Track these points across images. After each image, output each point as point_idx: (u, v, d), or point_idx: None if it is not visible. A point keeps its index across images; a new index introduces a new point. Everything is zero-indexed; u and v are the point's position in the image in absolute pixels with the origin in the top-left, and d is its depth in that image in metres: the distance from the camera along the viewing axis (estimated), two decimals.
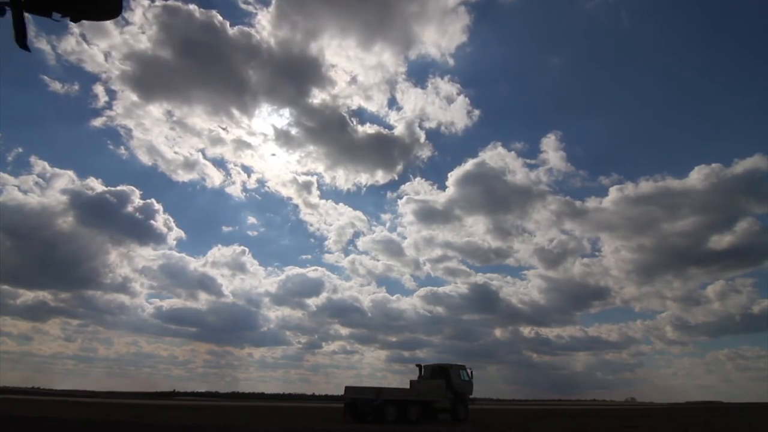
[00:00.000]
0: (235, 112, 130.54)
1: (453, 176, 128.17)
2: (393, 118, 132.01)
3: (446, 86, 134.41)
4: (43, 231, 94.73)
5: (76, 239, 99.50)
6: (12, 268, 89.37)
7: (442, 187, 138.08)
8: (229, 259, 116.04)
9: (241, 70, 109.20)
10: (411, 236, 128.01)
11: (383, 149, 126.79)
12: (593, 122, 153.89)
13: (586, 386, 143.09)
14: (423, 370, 25.64)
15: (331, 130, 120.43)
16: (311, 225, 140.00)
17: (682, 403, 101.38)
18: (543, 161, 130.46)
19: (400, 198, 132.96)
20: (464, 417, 23.86)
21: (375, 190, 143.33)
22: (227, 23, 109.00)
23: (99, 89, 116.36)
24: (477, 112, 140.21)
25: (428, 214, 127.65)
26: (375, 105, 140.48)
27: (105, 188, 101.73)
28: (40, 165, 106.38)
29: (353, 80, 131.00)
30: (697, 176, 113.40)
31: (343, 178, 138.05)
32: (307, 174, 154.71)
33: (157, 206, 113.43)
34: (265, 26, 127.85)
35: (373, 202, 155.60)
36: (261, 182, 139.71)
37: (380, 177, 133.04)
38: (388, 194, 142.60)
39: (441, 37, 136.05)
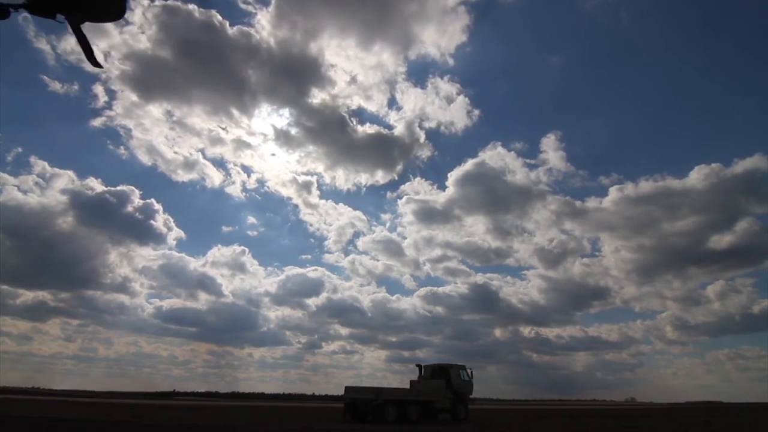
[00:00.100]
0: (235, 112, 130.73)
1: (453, 176, 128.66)
2: (393, 118, 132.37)
3: (446, 86, 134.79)
4: (43, 231, 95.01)
5: (76, 239, 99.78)
6: (12, 268, 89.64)
7: (442, 187, 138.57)
8: (229, 259, 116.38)
9: (240, 70, 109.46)
10: (411, 236, 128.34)
11: (383, 149, 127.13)
12: (593, 122, 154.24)
13: (586, 386, 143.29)
14: (423, 370, 25.64)
15: (330, 130, 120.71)
16: (311, 225, 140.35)
17: (682, 403, 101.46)
18: (543, 161, 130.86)
19: (400, 198, 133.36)
20: (464, 417, 23.86)
21: (375, 190, 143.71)
22: (227, 23, 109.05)
23: (99, 89, 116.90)
24: (477, 112, 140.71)
25: (428, 214, 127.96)
26: (375, 105, 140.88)
27: (105, 188, 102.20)
28: (39, 165, 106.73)
29: (353, 80, 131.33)
30: (697, 176, 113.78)
31: (343, 178, 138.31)
32: (306, 174, 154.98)
33: (157, 206, 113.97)
34: (264, 26, 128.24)
35: (373, 202, 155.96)
36: (261, 182, 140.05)
37: (380, 177, 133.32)
38: (388, 194, 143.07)
39: (441, 36, 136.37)
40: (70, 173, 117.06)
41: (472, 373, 25.64)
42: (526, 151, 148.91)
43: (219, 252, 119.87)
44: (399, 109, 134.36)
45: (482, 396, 35.97)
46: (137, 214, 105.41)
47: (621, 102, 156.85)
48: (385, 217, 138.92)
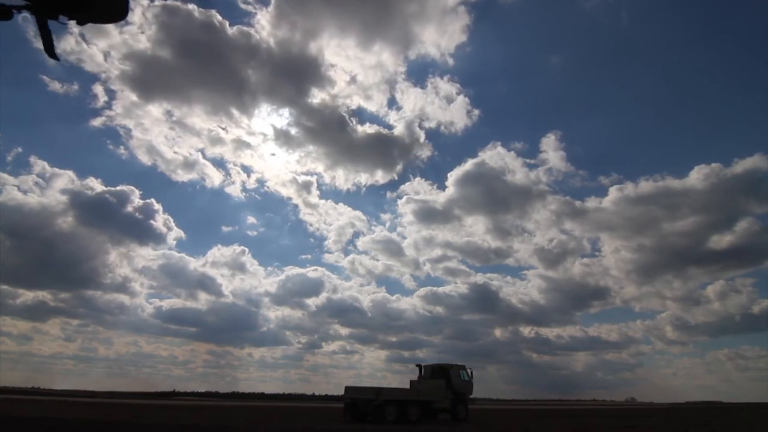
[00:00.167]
0: (235, 112, 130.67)
1: (453, 176, 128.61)
2: (393, 117, 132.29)
3: (446, 86, 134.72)
4: (43, 231, 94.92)
5: (76, 239, 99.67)
6: (12, 268, 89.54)
7: (442, 187, 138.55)
8: (229, 259, 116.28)
9: (240, 70, 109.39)
10: (411, 236, 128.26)
11: (383, 149, 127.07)
12: (593, 122, 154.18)
13: (586, 386, 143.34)
14: (423, 370, 25.64)
15: (330, 130, 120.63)
16: (311, 225, 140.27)
17: (682, 403, 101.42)
18: (543, 161, 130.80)
19: (400, 198, 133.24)
20: (464, 417, 23.86)
21: (375, 190, 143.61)
22: (226, 23, 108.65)
23: (98, 89, 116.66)
24: (477, 111, 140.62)
25: (428, 214, 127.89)
26: (375, 105, 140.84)
27: (105, 188, 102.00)
28: (39, 165, 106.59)
29: (353, 80, 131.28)
30: (697, 176, 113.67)
31: (343, 178, 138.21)
32: (306, 174, 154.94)
33: (157, 206, 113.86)
34: (264, 26, 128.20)
35: (372, 202, 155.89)
36: (261, 182, 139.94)
37: (380, 177, 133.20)
38: (388, 194, 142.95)
39: (441, 36, 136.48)
40: (70, 173, 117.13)
41: (472, 373, 25.66)
42: (526, 151, 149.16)
43: (219, 252, 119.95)
44: (399, 109, 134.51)
45: (482, 396, 35.96)
46: (137, 214, 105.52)
47: (621, 102, 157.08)
48: (385, 217, 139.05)
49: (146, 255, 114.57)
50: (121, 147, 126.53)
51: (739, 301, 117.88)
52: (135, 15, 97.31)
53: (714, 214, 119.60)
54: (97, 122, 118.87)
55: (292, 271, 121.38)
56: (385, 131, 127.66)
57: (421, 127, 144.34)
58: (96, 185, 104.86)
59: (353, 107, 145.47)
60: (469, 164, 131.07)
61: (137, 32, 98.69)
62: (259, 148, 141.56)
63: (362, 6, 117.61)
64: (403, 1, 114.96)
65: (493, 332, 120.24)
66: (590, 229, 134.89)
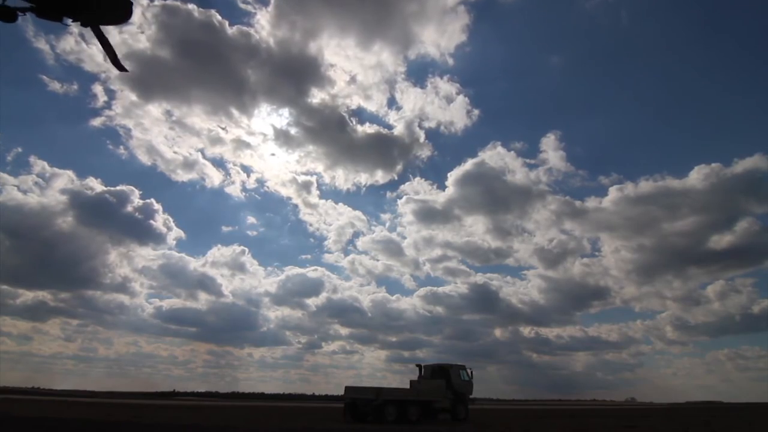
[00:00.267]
0: (235, 112, 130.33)
1: (452, 176, 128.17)
2: (392, 117, 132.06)
3: (446, 86, 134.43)
4: (43, 231, 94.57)
5: (76, 239, 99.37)
6: (12, 268, 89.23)
7: (442, 187, 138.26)
8: (229, 259, 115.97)
9: (240, 70, 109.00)
10: (411, 236, 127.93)
11: (383, 149, 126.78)
12: (593, 122, 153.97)
13: (586, 386, 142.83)
14: (423, 370, 25.65)
15: (330, 130, 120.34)
16: (311, 225, 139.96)
17: (682, 403, 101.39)
18: (543, 161, 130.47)
19: (400, 198, 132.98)
20: (464, 417, 23.87)
21: (374, 189, 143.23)
22: (226, 23, 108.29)
23: (98, 89, 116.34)
24: (476, 111, 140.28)
25: (428, 214, 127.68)
26: (374, 105, 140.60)
27: (104, 188, 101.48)
28: (39, 165, 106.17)
29: (352, 80, 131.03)
30: (697, 176, 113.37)
31: (343, 177, 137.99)
32: (306, 174, 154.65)
33: (157, 206, 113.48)
34: (264, 26, 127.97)
35: (372, 201, 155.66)
36: (260, 182, 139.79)
37: (380, 177, 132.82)
38: (388, 194, 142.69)
39: (440, 36, 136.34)
40: (70, 173, 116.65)
41: (472, 373, 25.67)
42: (525, 151, 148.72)
43: (219, 252, 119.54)
44: (399, 108, 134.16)
45: (482, 396, 35.97)
46: (137, 214, 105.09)
47: (621, 102, 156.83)
48: (385, 217, 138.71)
49: (146, 255, 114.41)
50: (121, 147, 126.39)
51: (739, 301, 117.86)
52: (134, 15, 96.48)
53: (714, 214, 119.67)
54: (96, 122, 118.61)
55: (292, 271, 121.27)
56: (384, 131, 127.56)
57: (420, 127, 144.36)
58: (96, 185, 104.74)
59: (353, 107, 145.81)
60: (468, 164, 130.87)
61: (137, 32, 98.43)
62: (259, 148, 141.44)
63: (362, 6, 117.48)
64: (403, 1, 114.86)
65: (493, 332, 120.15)
66: (590, 229, 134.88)
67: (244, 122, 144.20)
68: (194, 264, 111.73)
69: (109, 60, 7.17)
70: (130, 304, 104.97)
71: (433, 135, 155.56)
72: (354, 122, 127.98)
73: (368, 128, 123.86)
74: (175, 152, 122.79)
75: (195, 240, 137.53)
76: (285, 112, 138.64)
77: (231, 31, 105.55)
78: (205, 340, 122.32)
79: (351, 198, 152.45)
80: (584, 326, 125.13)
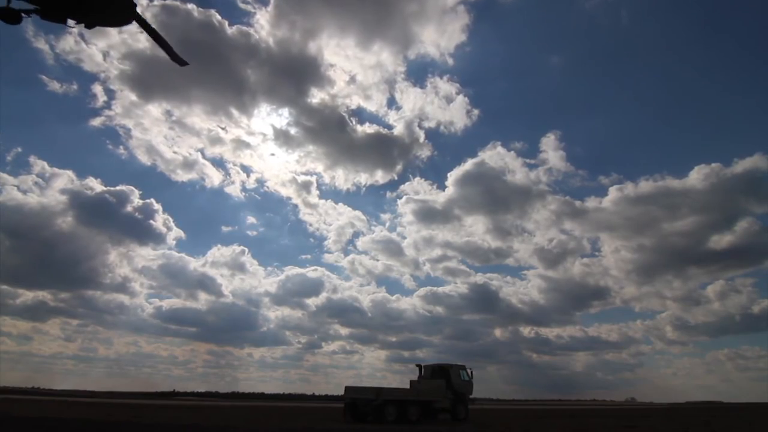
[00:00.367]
0: (234, 112, 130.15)
1: (452, 176, 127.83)
2: (392, 117, 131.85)
3: (445, 86, 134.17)
4: (43, 231, 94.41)
5: (76, 239, 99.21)
6: (11, 268, 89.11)
7: (442, 187, 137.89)
8: (229, 259, 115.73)
9: (239, 70, 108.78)
10: (410, 236, 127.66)
11: (382, 149, 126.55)
12: (593, 122, 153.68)
13: (586, 386, 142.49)
14: (423, 370, 25.65)
15: (330, 130, 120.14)
16: (311, 225, 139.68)
17: (682, 403, 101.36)
18: (542, 161, 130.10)
19: (400, 198, 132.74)
20: (464, 417, 23.87)
21: (374, 189, 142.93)
22: (226, 22, 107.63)
23: (98, 89, 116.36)
24: (476, 111, 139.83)
25: (428, 214, 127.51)
26: (374, 104, 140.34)
27: (104, 188, 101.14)
28: (39, 165, 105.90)
29: (352, 80, 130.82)
30: (697, 176, 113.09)
31: (343, 177, 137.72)
32: (306, 174, 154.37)
33: (157, 206, 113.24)
34: (263, 26, 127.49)
35: (372, 201, 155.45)
36: (260, 182, 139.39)
37: (380, 177, 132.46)
38: (388, 194, 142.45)
39: (440, 36, 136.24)
40: (70, 173, 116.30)
41: (472, 373, 25.68)
42: (525, 151, 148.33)
43: (219, 252, 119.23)
44: (398, 108, 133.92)
45: (482, 396, 35.97)
46: (137, 214, 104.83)
47: (621, 102, 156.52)
48: (385, 217, 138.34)
49: (146, 255, 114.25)
50: (121, 147, 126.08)
51: (739, 301, 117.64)
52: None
53: (714, 214, 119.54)
54: (96, 122, 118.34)
55: (292, 271, 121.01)
56: (384, 131, 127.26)
57: (420, 126, 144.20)
58: (96, 185, 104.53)
59: (353, 107, 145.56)
60: (468, 164, 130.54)
61: (136, 32, 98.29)
62: (259, 148, 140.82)
63: (362, 6, 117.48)
64: (403, 1, 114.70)
65: (493, 332, 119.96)
66: (590, 229, 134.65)
67: (244, 122, 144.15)
68: (194, 264, 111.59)
69: (168, 55, 7.22)
70: (130, 304, 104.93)
71: (432, 135, 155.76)
72: (354, 122, 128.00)
73: (368, 128, 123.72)
74: (174, 152, 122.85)
75: (195, 240, 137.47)
76: (285, 112, 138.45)
77: (231, 30, 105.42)
78: (205, 340, 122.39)
79: (351, 198, 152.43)
80: (584, 326, 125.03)
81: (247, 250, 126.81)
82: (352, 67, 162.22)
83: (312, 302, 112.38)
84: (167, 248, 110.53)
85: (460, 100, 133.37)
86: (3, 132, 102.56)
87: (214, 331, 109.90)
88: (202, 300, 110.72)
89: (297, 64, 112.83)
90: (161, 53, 8.85)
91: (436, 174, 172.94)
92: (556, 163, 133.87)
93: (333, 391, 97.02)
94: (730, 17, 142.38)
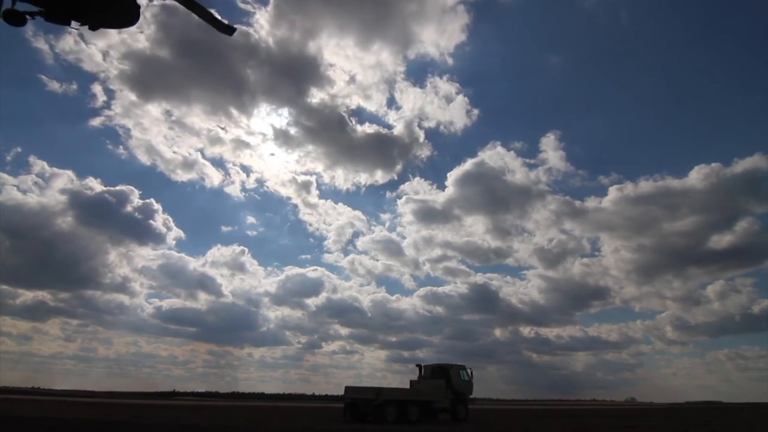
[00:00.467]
0: (234, 112, 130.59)
1: (452, 176, 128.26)
2: (392, 117, 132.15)
3: (445, 86, 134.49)
4: (43, 231, 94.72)
5: (76, 239, 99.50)
6: (11, 268, 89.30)
7: (442, 187, 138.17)
8: (229, 259, 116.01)
9: (239, 70, 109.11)
10: (410, 236, 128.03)
11: (382, 149, 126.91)
12: (593, 122, 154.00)
13: (586, 386, 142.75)
14: (423, 370, 25.64)
15: (330, 130, 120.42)
16: (310, 225, 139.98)
17: (682, 403, 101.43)
18: (542, 161, 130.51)
19: (400, 198, 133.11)
20: (464, 417, 23.86)
21: (374, 189, 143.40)
22: (225, 22, 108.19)
23: (97, 89, 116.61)
24: (476, 111, 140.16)
25: (428, 214, 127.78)
26: (374, 104, 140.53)
27: (104, 188, 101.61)
28: (39, 165, 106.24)
29: (352, 80, 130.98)
30: (697, 176, 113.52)
31: (343, 177, 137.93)
32: (306, 174, 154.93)
33: (156, 206, 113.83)
34: (263, 25, 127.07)
35: (372, 201, 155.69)
36: (260, 182, 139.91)
37: (379, 177, 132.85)
38: (388, 194, 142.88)
39: (440, 36, 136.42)
40: (70, 173, 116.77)
41: (472, 373, 25.66)
42: (525, 151, 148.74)
43: (218, 252, 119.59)
44: (398, 108, 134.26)
45: (482, 396, 35.97)
46: (136, 213, 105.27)
47: (621, 102, 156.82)
48: (385, 216, 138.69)
49: (146, 255, 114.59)
50: (121, 147, 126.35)
51: (739, 301, 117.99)
52: None
53: (714, 214, 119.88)
54: (96, 122, 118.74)
55: (292, 271, 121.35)
56: (384, 131, 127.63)
57: (420, 126, 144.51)
58: (95, 185, 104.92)
59: (352, 107, 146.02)
60: (468, 164, 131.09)
61: (136, 32, 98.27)
62: (259, 147, 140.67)
63: (361, 5, 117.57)
64: (403, 1, 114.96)
65: (493, 332, 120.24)
66: (590, 229, 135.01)
67: (244, 122, 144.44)
68: (194, 264, 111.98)
69: (212, 26, 7.14)
70: (129, 304, 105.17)
71: (432, 135, 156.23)
72: (353, 122, 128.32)
73: (368, 128, 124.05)
74: (174, 152, 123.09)
75: (195, 240, 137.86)
76: (284, 111, 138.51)
77: None
78: (205, 340, 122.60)
79: (351, 198, 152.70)
80: (584, 326, 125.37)
81: (247, 250, 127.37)
82: (351, 67, 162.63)
83: (312, 302, 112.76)
84: (167, 248, 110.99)
85: (460, 100, 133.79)
86: (3, 132, 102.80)
87: (214, 331, 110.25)
88: (202, 300, 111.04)
89: (297, 64, 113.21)
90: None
91: (435, 174, 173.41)
92: (555, 163, 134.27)
93: (333, 391, 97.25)
94: (730, 17, 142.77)
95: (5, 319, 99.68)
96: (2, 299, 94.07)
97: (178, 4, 6.77)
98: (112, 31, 7.26)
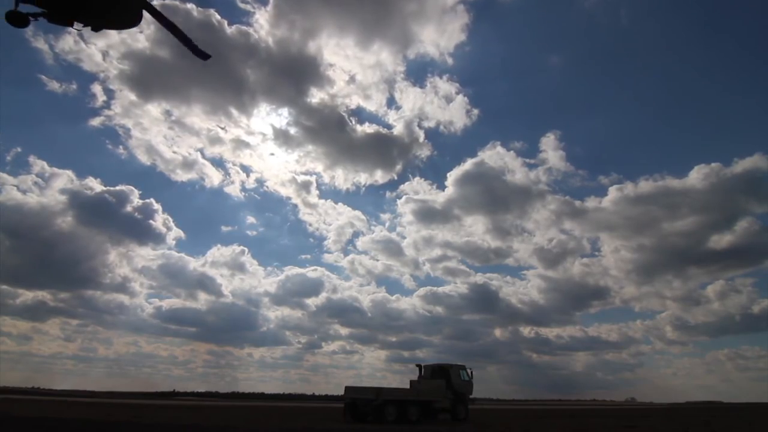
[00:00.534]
0: (234, 112, 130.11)
1: (452, 176, 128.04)
2: (392, 117, 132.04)
3: (445, 85, 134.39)
4: (43, 231, 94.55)
5: (76, 239, 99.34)
6: (11, 268, 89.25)
7: (442, 187, 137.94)
8: (229, 258, 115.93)
9: (239, 70, 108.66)
10: (410, 236, 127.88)
11: (382, 149, 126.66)
12: (593, 121, 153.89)
13: (586, 386, 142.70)
14: (423, 370, 25.65)
15: (329, 130, 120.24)
16: (310, 225, 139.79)
17: (682, 403, 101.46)
18: (542, 161, 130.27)
19: (400, 198, 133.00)
20: (464, 417, 23.87)
21: (374, 189, 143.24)
22: (225, 22, 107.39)
23: (97, 88, 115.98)
24: (476, 111, 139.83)
25: (427, 214, 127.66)
26: (374, 104, 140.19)
27: (104, 188, 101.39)
28: (38, 165, 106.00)
29: (352, 79, 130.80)
30: (697, 176, 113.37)
31: (342, 177, 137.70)
32: (306, 174, 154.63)
33: (156, 206, 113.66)
34: (263, 25, 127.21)
35: (372, 201, 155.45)
36: (260, 182, 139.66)
37: (379, 177, 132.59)
38: (387, 194, 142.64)
39: (440, 36, 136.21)
40: (69, 173, 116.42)
41: (472, 373, 25.67)
42: (525, 151, 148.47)
43: (218, 252, 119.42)
44: (398, 108, 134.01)
45: (482, 396, 35.98)
46: (136, 213, 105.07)
47: (621, 102, 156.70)
48: (385, 216, 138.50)
49: (146, 255, 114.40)
50: (120, 147, 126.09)
51: (739, 301, 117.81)
52: None
53: (714, 214, 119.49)
54: (95, 122, 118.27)
55: (292, 271, 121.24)
56: (384, 131, 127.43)
57: (420, 126, 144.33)
58: (95, 185, 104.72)
59: (352, 107, 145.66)
60: (468, 164, 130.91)
61: (136, 31, 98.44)
62: (259, 147, 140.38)
63: (361, 5, 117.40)
64: (402, 1, 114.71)
65: (493, 332, 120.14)
66: (590, 229, 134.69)
67: (244, 122, 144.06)
68: (194, 264, 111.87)
69: (189, 49, 7.13)
70: (129, 304, 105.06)
71: (432, 135, 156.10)
72: (353, 122, 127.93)
73: (368, 128, 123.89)
74: (174, 152, 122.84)
75: (194, 240, 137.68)
76: (284, 111, 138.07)
77: (230, 30, 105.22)
78: (205, 340, 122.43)
79: (350, 198, 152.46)
80: (584, 326, 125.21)
81: (246, 250, 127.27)
82: (351, 67, 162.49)
83: (312, 302, 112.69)
84: (167, 248, 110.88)
85: (460, 100, 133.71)
86: (3, 132, 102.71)
87: (214, 331, 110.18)
88: (202, 300, 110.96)
89: (296, 64, 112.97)
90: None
91: (435, 174, 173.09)
92: (555, 162, 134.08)
93: (333, 391, 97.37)
94: (730, 17, 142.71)
95: (5, 319, 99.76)
96: (2, 299, 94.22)
97: (162, 25, 6.75)
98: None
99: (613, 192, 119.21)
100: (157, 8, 6.91)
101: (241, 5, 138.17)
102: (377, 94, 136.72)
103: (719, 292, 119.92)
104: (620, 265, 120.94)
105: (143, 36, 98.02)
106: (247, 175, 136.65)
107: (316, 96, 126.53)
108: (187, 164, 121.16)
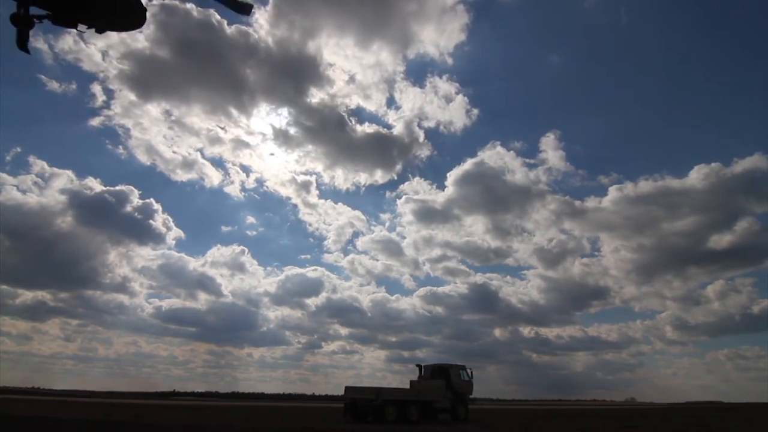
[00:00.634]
0: (234, 112, 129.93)
1: (452, 176, 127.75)
2: (392, 117, 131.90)
3: (445, 85, 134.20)
4: (42, 231, 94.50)
5: (75, 239, 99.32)
6: (11, 268, 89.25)
7: (441, 187, 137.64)
8: (229, 258, 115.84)
9: (239, 70, 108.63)
10: (410, 236, 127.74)
11: (382, 149, 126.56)
12: (592, 121, 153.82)
13: (586, 386, 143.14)
14: (423, 370, 25.66)
15: (329, 130, 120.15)
16: (310, 225, 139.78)
17: (682, 403, 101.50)
18: (542, 161, 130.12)
19: (399, 198, 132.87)
20: (464, 417, 23.88)
21: (374, 189, 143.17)
22: (225, 22, 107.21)
23: (97, 88, 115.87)
24: (476, 111, 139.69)
25: (427, 214, 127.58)
26: (373, 104, 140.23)
27: (104, 188, 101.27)
28: (38, 165, 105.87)
29: (351, 79, 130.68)
30: (697, 176, 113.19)
31: (342, 177, 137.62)
32: (305, 173, 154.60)
33: (156, 206, 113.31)
34: (262, 25, 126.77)
35: (372, 201, 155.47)
36: (260, 182, 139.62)
37: (379, 176, 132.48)
38: (387, 194, 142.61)
39: (439, 35, 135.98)
40: (69, 173, 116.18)
41: (472, 373, 25.66)
42: (525, 151, 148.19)
43: (218, 252, 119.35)
44: (398, 108, 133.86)
45: (482, 396, 36.02)
46: (136, 213, 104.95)
47: (621, 101, 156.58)
48: (385, 216, 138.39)
49: (145, 255, 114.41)
50: (120, 147, 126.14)
51: (739, 301, 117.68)
52: None
53: (714, 214, 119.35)
54: (95, 122, 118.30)
55: (292, 271, 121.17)
56: (384, 131, 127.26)
57: (420, 126, 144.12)
58: (95, 185, 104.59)
59: (352, 107, 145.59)
60: (468, 164, 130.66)
61: (135, 31, 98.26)
62: (258, 147, 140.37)
63: (361, 5, 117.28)
64: (402, 1, 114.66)
65: (492, 332, 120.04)
66: (590, 229, 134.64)
67: (243, 122, 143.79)
68: (194, 264, 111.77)
69: (227, 6, 7.03)
70: (129, 304, 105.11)
71: (432, 135, 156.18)
72: (353, 122, 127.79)
73: (367, 128, 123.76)
74: (174, 152, 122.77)
75: (194, 240, 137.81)
76: (284, 111, 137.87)
77: (230, 30, 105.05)
78: (204, 340, 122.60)
79: (350, 198, 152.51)
80: (584, 326, 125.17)
81: (246, 250, 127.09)
82: (351, 67, 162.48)
83: (312, 302, 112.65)
84: (167, 248, 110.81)
85: (460, 100, 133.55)
86: (2, 132, 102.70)
87: (214, 331, 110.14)
88: (202, 300, 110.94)
89: (296, 64, 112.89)
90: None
91: (435, 174, 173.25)
92: (555, 162, 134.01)
93: (333, 391, 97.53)
94: (730, 17, 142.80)
95: (5, 319, 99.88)
96: (2, 299, 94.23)
97: None
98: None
99: (612, 192, 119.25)
100: None
101: None
102: (377, 94, 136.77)
103: (719, 292, 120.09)
104: (620, 265, 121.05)
105: (143, 36, 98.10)
106: (247, 175, 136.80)
107: (315, 96, 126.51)
108: (187, 164, 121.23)
